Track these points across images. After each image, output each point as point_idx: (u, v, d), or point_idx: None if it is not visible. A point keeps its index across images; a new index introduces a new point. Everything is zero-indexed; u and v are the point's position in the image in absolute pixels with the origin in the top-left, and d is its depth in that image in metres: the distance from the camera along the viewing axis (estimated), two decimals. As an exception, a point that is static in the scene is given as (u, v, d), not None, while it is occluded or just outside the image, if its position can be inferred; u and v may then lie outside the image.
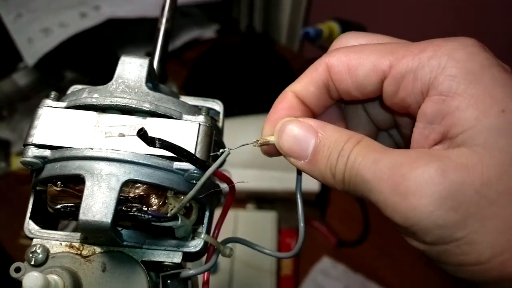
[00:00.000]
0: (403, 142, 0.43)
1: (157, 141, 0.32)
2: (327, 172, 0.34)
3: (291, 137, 0.35)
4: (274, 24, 1.63)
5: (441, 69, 0.30)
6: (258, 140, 0.37)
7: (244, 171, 1.12)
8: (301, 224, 0.38)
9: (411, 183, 0.28)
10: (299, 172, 0.39)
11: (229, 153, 0.36)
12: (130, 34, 1.42)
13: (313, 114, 0.38)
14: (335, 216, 1.20)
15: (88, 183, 0.33)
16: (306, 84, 0.37)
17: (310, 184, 1.12)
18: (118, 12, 1.25)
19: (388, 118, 0.42)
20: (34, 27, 1.23)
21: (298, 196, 0.39)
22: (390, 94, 0.34)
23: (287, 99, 0.37)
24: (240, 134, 1.04)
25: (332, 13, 1.35)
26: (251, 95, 1.42)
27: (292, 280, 1.07)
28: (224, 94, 1.38)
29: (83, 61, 1.37)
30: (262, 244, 0.42)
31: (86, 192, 0.33)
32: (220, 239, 0.41)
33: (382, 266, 1.11)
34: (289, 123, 0.35)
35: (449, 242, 0.28)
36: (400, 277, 1.09)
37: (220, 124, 0.45)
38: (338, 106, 0.42)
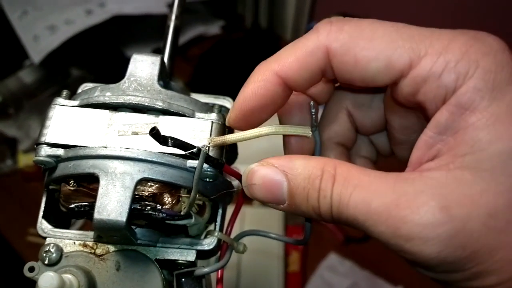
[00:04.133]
0: (389, 147, 0.40)
1: (169, 140, 0.32)
2: (310, 212, 0.31)
3: (260, 187, 0.32)
4: (279, 19, 1.62)
5: (468, 78, 0.27)
6: (209, 143, 0.34)
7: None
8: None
9: (414, 226, 0.27)
10: None
11: (208, 150, 0.34)
12: (135, 31, 1.42)
13: (293, 91, 0.34)
14: (342, 212, 1.20)
15: (102, 182, 0.33)
16: (300, 71, 0.32)
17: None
18: (123, 9, 1.25)
19: (377, 122, 0.39)
20: (39, 25, 1.23)
21: None
22: (405, 94, 0.30)
23: (268, 83, 0.32)
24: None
25: (337, 8, 1.34)
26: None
27: (300, 276, 1.07)
28: (229, 91, 1.37)
29: (89, 58, 1.37)
30: (268, 241, 0.42)
31: (100, 191, 0.33)
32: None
33: (389, 262, 1.10)
34: (254, 173, 0.32)
35: (457, 271, 0.28)
36: (407, 273, 1.08)
37: (231, 122, 0.45)
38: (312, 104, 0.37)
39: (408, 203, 0.27)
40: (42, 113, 1.31)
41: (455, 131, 0.28)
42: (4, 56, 1.36)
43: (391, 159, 0.41)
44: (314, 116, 0.36)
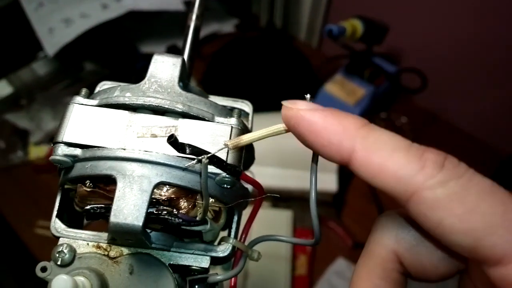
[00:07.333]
0: None
1: (187, 148, 0.31)
2: None
3: None
4: (294, 20, 1.61)
5: None
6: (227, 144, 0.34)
7: (261, 169, 1.11)
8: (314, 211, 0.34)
9: None
10: (315, 161, 0.33)
11: (208, 161, 0.32)
12: (150, 27, 1.41)
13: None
14: (351, 217, 1.19)
15: (119, 185, 0.32)
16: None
17: (328, 185, 1.11)
18: (139, 4, 1.24)
19: (441, 271, 0.32)
20: (55, 17, 1.23)
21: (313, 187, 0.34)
22: (484, 285, 0.27)
23: None
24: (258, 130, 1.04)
25: (352, 9, 1.33)
26: (270, 91, 1.41)
27: (307, 280, 1.06)
28: (242, 90, 1.37)
29: (103, 53, 1.36)
30: (276, 244, 0.40)
31: (117, 193, 0.32)
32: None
33: (398, 270, 1.09)
34: None
35: None
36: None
37: (249, 126, 0.44)
38: None
39: None
40: (54, 105, 1.31)
41: None
42: (19, 47, 1.36)
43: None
44: None
